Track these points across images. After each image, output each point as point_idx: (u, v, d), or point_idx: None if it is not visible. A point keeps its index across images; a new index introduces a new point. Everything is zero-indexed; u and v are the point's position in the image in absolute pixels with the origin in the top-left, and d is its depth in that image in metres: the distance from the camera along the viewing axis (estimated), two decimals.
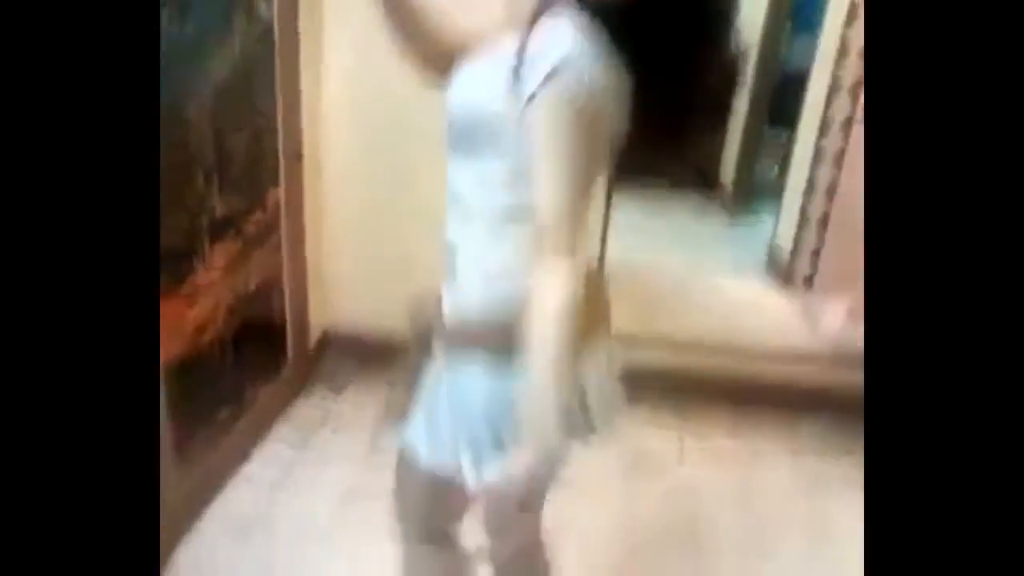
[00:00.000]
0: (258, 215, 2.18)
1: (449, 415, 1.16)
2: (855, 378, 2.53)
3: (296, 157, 2.33)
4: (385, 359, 2.67)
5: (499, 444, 1.11)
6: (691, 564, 2.05)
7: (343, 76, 2.45)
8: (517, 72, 0.96)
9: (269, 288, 2.31)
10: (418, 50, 1.24)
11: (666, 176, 3.93)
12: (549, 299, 0.98)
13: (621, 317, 1.27)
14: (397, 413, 1.31)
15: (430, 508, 1.34)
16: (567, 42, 0.95)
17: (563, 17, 0.98)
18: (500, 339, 1.07)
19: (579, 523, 2.04)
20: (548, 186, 0.98)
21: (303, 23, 2.26)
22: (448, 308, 1.22)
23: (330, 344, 2.77)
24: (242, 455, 2.26)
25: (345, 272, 2.70)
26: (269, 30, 2.12)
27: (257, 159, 2.15)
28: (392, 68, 2.36)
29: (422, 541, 1.38)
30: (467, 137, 1.11)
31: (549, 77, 0.93)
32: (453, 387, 1.16)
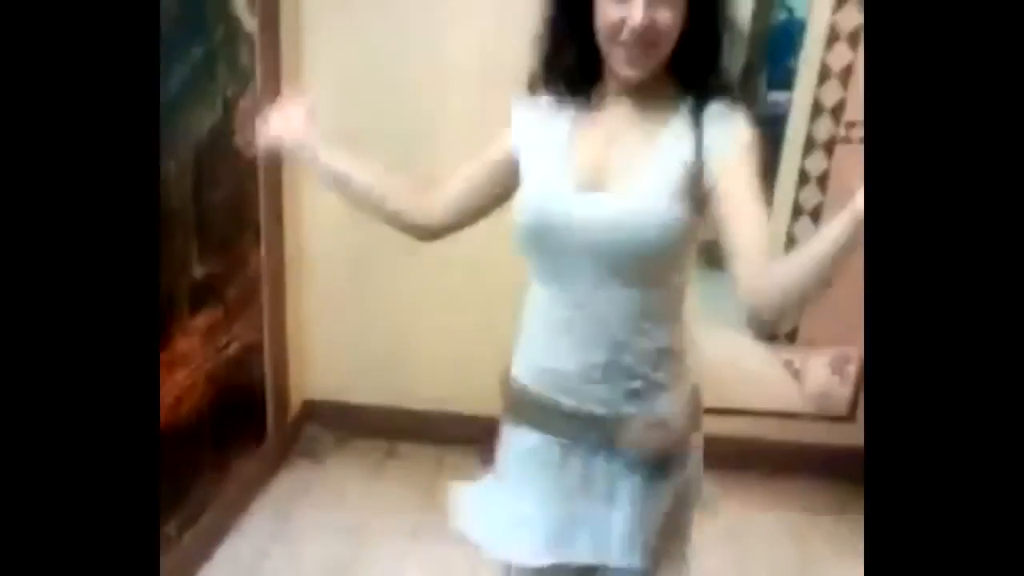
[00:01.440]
0: (240, 280, 2.10)
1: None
2: (839, 435, 2.55)
3: (276, 217, 2.27)
4: (367, 429, 2.62)
5: None
6: None
7: (325, 129, 2.41)
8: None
9: (249, 355, 2.22)
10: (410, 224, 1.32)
11: None
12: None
13: None
14: None
15: None
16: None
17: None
18: None
19: None
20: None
21: (285, 78, 2.23)
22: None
23: (311, 414, 2.67)
24: (221, 531, 2.13)
25: (327, 339, 2.63)
26: (251, 85, 2.08)
27: (238, 219, 2.09)
28: (381, 124, 2.37)
29: None
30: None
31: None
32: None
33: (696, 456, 1.26)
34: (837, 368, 2.93)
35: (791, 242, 3.12)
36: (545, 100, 1.17)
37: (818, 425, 2.61)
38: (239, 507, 2.24)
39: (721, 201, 1.04)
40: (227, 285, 2.05)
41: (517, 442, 1.22)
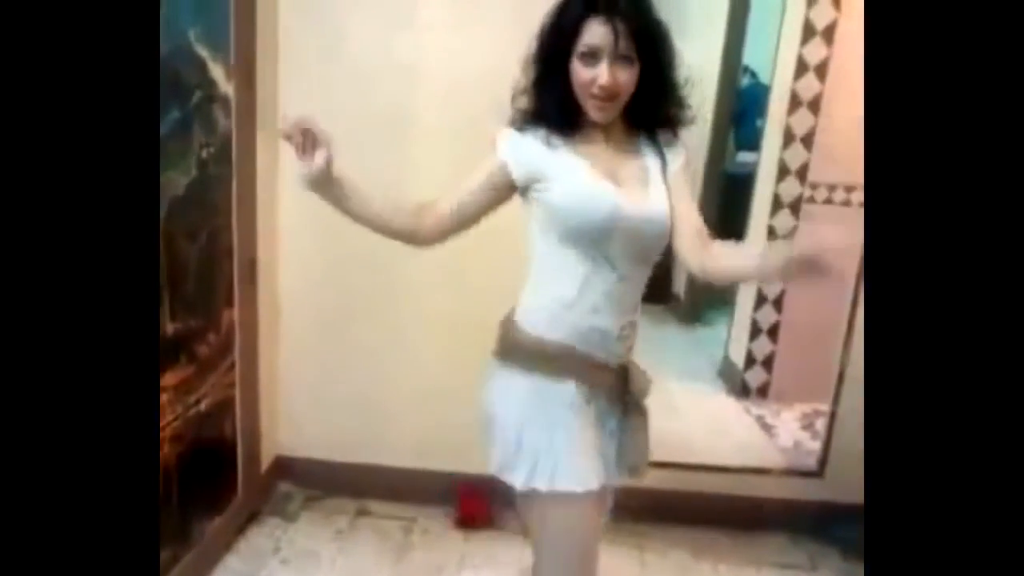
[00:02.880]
0: (212, 337, 2.11)
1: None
2: (810, 491, 2.56)
3: (250, 275, 2.29)
4: (339, 486, 2.60)
5: None
6: None
7: (300, 195, 2.45)
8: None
9: (220, 411, 2.22)
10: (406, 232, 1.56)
11: None
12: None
13: None
14: None
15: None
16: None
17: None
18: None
19: None
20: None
21: (260, 136, 2.28)
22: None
23: (283, 470, 2.66)
24: None
25: (299, 396, 2.62)
26: (227, 143, 2.12)
27: (211, 276, 2.11)
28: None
29: None
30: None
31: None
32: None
33: None
34: (808, 424, 2.96)
35: (761, 297, 3.19)
36: (531, 133, 1.46)
37: (790, 481, 2.62)
38: (209, 564, 2.21)
39: (673, 201, 1.45)
40: (200, 342, 2.06)
41: (542, 388, 1.46)
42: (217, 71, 2.04)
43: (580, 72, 1.37)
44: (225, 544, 2.32)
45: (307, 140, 1.45)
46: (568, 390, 1.45)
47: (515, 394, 1.48)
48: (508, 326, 1.54)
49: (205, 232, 2.06)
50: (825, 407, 2.66)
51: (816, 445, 2.72)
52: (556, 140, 1.44)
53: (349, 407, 2.61)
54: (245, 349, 2.31)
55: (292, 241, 2.50)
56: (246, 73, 2.18)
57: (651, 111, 1.46)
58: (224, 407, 2.24)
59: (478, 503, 2.54)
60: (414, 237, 1.54)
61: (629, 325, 1.48)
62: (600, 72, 1.35)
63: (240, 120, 2.16)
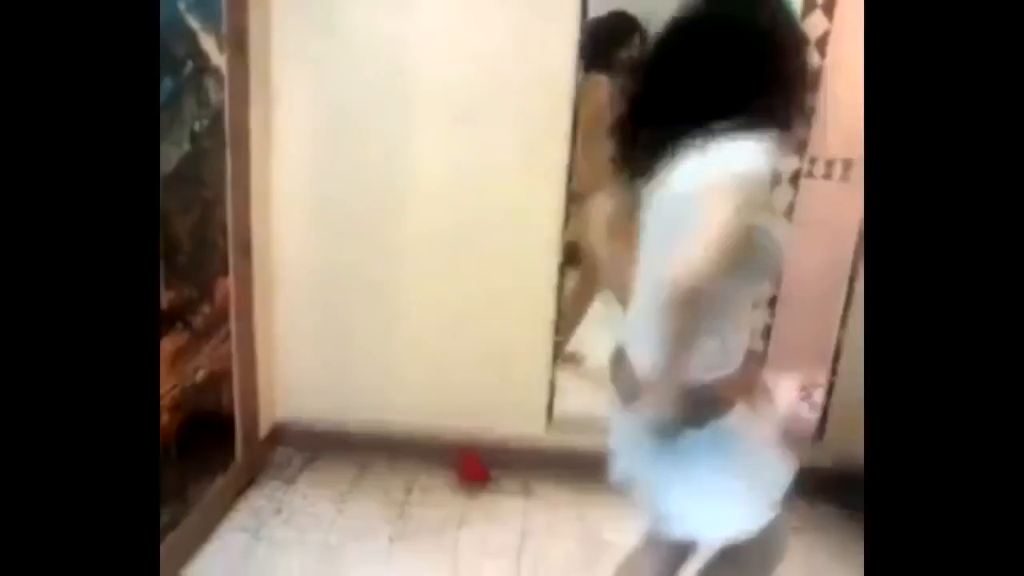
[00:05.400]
0: (206, 307, 2.15)
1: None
2: (811, 457, 2.57)
3: (244, 248, 2.32)
4: (338, 450, 2.65)
5: None
6: None
7: (293, 162, 2.47)
8: None
9: (218, 380, 2.26)
10: None
11: None
12: None
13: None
14: None
15: None
16: None
17: None
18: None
19: None
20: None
21: (254, 109, 2.28)
22: None
23: (282, 435, 2.71)
24: (191, 550, 2.17)
25: (297, 362, 2.66)
26: (219, 116, 2.12)
27: (205, 248, 2.13)
28: (347, 157, 2.42)
29: None
30: None
31: None
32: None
33: None
34: (806, 395, 2.96)
35: None
36: None
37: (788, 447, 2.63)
38: (208, 526, 2.28)
39: None
40: (194, 312, 2.09)
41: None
42: (209, 43, 2.04)
43: None
44: (224, 508, 2.38)
45: None
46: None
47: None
48: None
49: (199, 204, 2.08)
50: (822, 378, 2.67)
51: (814, 415, 2.73)
52: None
53: (348, 371, 2.65)
54: (240, 317, 2.34)
55: (287, 209, 2.51)
56: (238, 44, 2.17)
57: None
58: (221, 375, 2.28)
59: (478, 463, 2.59)
60: None
61: None
62: None
63: (233, 92, 2.16)
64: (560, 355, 2.72)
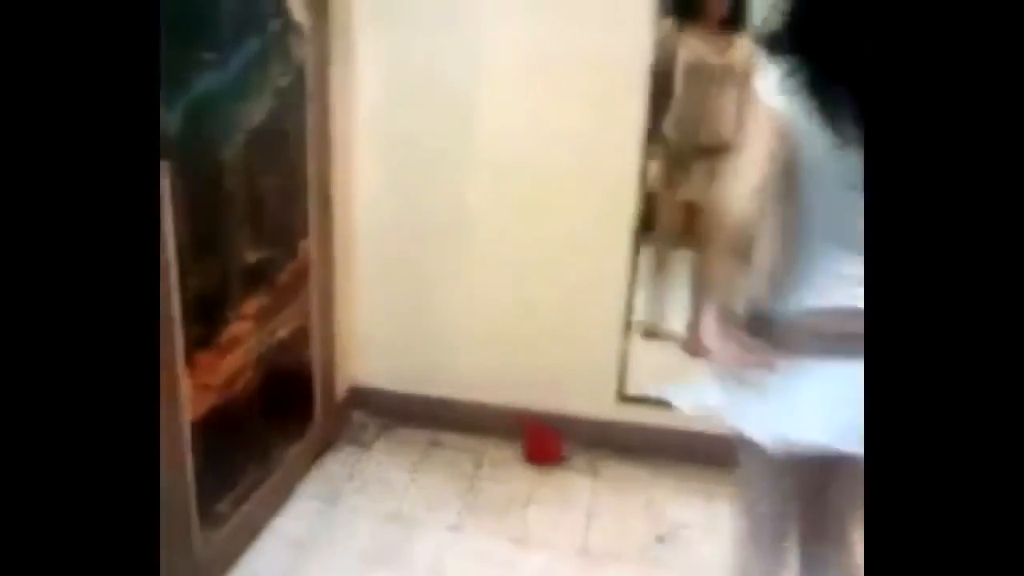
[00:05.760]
0: (290, 265, 2.15)
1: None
2: None
3: (326, 206, 2.31)
4: (412, 417, 2.65)
5: None
6: None
7: (375, 123, 2.46)
8: None
9: (297, 340, 2.27)
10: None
11: None
12: None
13: None
14: None
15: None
16: None
17: None
18: None
19: None
20: None
21: (335, 68, 2.27)
22: None
23: (358, 400, 2.72)
24: (268, 514, 2.18)
25: (375, 327, 2.66)
26: (301, 75, 2.12)
27: (288, 207, 2.13)
28: (426, 117, 2.40)
29: None
30: None
31: None
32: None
33: None
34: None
35: None
36: None
37: None
38: (286, 489, 2.29)
39: None
40: (278, 271, 2.09)
41: None
42: (294, 1, 2.03)
43: None
44: (302, 471, 2.39)
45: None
46: None
47: None
48: None
49: (282, 162, 2.08)
50: None
51: None
52: None
53: (423, 340, 2.64)
54: (321, 280, 2.34)
55: (368, 173, 2.50)
56: (322, 3, 2.17)
57: None
58: (301, 336, 2.29)
59: (547, 440, 2.56)
60: None
61: None
62: None
63: (315, 51, 2.15)
64: (633, 328, 2.64)
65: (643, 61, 2.26)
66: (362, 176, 2.51)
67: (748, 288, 1.31)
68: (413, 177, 2.50)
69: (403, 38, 2.38)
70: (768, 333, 1.29)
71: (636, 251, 2.46)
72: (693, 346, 1.36)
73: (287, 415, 2.29)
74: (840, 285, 1.25)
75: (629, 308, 2.52)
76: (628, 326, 2.54)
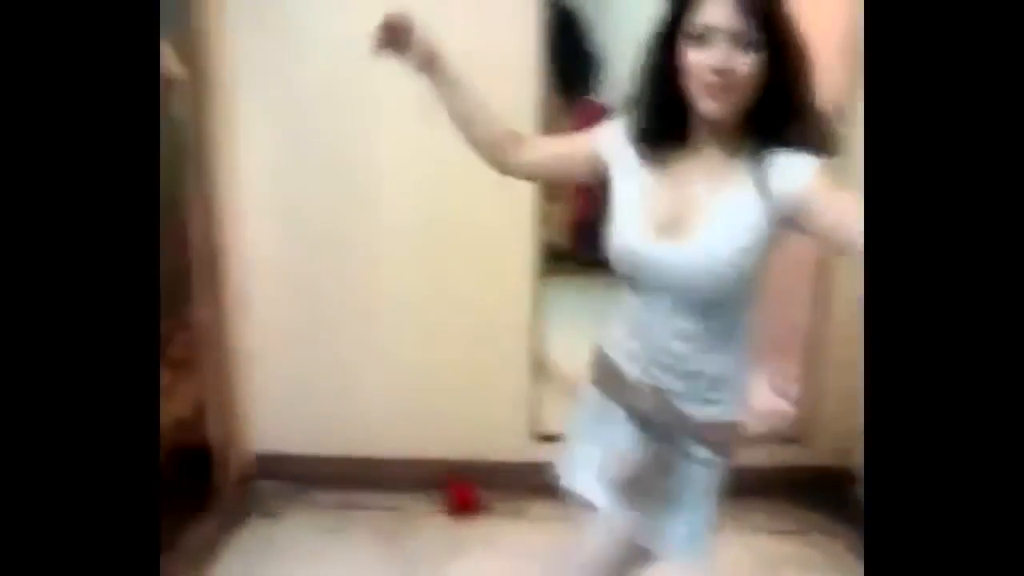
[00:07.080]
0: (181, 337, 2.03)
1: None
2: (792, 457, 2.57)
3: (213, 268, 2.20)
4: (323, 480, 2.54)
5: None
6: None
7: (264, 182, 2.36)
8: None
9: (197, 415, 2.14)
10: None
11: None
12: None
13: None
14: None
15: None
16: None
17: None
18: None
19: None
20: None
21: (216, 126, 2.19)
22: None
23: (267, 468, 2.59)
24: None
25: (279, 392, 2.55)
26: (178, 132, 2.03)
27: (176, 282, 2.02)
28: (317, 173, 2.32)
29: None
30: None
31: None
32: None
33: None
34: (778, 387, 2.94)
35: None
36: (632, 148, 1.32)
37: (769, 447, 2.62)
38: (195, 570, 2.15)
39: (816, 217, 1.14)
40: (166, 344, 1.97)
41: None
42: (168, 55, 1.94)
43: (690, 56, 1.16)
44: (210, 549, 2.26)
45: (396, 34, 1.35)
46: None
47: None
48: None
49: (169, 227, 1.96)
50: (792, 367, 2.69)
51: (789, 408, 2.73)
52: (649, 161, 1.30)
53: (331, 400, 2.56)
54: (216, 348, 2.22)
55: (261, 235, 2.41)
56: (195, 55, 2.07)
57: (776, 120, 1.19)
58: (199, 411, 2.16)
59: (468, 490, 2.51)
60: (504, 159, 1.42)
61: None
62: (713, 54, 1.13)
63: (193, 106, 2.06)
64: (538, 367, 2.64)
65: (533, 99, 2.28)
66: (254, 238, 2.40)
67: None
68: (309, 236, 2.42)
69: (287, 93, 2.31)
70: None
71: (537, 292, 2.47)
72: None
73: (190, 492, 2.16)
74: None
75: (536, 348, 2.53)
76: (537, 366, 2.54)
